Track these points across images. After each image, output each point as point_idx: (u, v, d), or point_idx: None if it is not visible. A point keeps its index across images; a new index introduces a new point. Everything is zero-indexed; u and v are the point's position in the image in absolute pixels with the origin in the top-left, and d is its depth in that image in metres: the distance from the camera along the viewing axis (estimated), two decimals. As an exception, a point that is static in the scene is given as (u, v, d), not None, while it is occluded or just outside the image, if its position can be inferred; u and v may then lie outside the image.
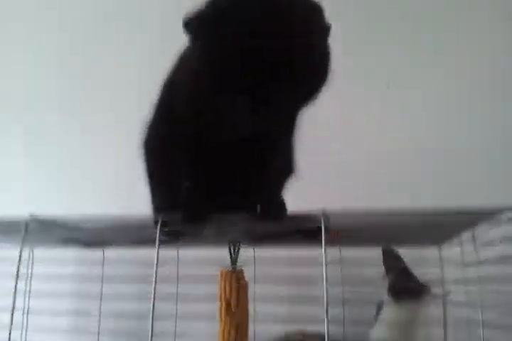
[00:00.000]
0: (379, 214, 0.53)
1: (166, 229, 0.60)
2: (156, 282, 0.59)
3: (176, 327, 0.81)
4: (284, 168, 0.64)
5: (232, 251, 0.75)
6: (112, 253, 0.93)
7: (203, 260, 0.74)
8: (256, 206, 0.60)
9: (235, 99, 0.49)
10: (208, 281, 0.73)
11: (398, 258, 0.73)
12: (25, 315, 0.86)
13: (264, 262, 0.85)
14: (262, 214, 0.58)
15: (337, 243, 0.71)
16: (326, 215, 0.55)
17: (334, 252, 0.82)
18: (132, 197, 0.79)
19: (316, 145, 0.84)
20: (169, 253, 0.88)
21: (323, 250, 0.52)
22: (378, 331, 0.72)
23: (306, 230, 0.60)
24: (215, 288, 0.72)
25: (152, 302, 0.58)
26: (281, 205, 0.60)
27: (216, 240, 0.75)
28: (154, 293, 0.60)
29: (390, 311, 0.71)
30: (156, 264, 0.57)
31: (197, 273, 0.64)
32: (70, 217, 0.63)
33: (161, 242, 0.70)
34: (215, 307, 0.71)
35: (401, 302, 0.70)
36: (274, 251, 0.85)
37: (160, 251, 0.60)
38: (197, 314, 0.63)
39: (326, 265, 0.53)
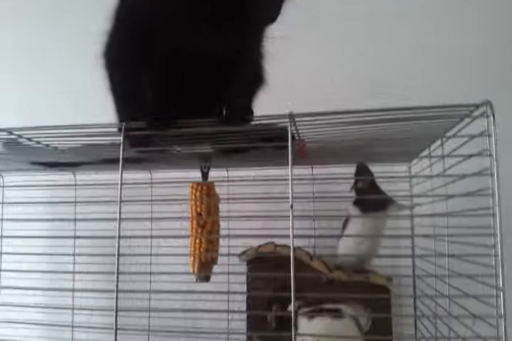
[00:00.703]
0: (347, 114, 0.52)
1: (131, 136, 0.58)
2: (121, 189, 0.58)
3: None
4: (252, 75, 0.62)
5: (203, 168, 0.75)
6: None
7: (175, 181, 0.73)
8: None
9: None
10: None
11: (369, 172, 0.74)
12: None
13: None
14: (228, 117, 0.56)
15: (306, 156, 0.71)
16: (292, 117, 0.54)
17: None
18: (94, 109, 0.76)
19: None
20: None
21: (289, 149, 0.52)
22: (345, 241, 0.74)
23: (274, 138, 0.59)
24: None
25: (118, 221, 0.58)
26: (247, 109, 0.59)
27: (187, 157, 0.74)
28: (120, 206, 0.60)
29: (356, 222, 0.73)
30: (121, 169, 0.56)
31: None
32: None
33: (131, 161, 0.69)
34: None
35: (367, 213, 0.72)
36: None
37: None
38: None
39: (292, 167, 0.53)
